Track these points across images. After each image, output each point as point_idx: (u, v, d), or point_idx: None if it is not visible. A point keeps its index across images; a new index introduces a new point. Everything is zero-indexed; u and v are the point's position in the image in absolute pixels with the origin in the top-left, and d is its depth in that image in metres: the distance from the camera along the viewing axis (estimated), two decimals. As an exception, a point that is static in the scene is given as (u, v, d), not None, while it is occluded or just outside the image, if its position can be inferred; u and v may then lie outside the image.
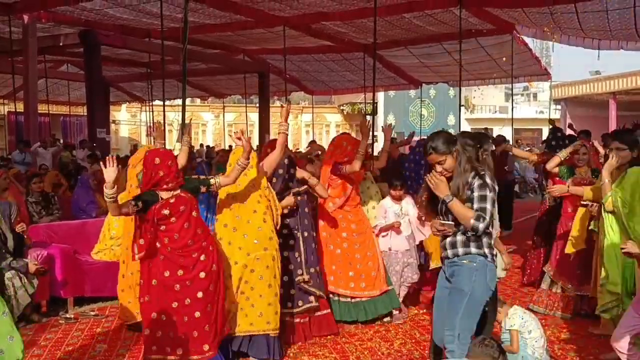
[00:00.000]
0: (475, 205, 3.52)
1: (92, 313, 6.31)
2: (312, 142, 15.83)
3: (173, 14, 12.23)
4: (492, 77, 18.27)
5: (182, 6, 9.44)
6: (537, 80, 21.16)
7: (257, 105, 20.89)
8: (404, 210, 6.05)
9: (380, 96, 30.29)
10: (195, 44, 15.19)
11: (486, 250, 3.61)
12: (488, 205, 3.52)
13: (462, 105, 27.95)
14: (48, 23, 13.46)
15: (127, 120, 33.10)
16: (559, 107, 31.57)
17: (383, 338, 5.42)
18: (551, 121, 8.43)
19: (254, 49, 17.49)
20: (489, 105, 38.93)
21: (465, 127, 32.65)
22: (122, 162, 12.48)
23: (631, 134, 5.65)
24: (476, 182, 3.55)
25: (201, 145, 26.21)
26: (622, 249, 3.91)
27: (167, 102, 12.48)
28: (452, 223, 3.60)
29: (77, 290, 6.50)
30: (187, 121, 8.39)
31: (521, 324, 4.50)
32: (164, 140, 5.58)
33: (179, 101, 17.03)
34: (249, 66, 18.71)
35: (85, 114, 16.55)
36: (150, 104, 19.82)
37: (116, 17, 13.26)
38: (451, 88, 25.62)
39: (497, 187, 3.60)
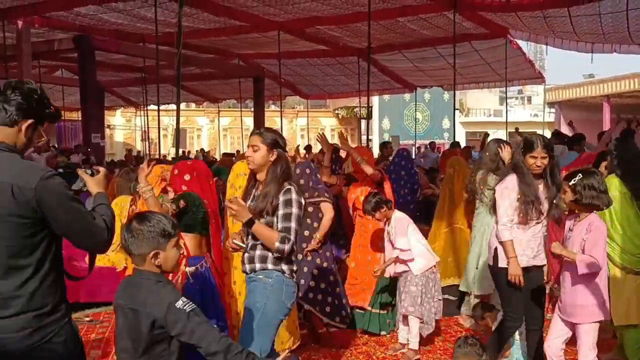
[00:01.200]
0: (279, 225, 3.30)
1: (87, 319, 6.29)
2: (308, 147, 15.85)
3: (167, 18, 12.23)
4: (486, 81, 18.33)
5: (176, 11, 9.45)
6: (531, 84, 21.29)
7: (252, 109, 20.90)
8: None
9: (375, 100, 30.35)
10: (190, 49, 15.20)
11: (284, 267, 3.39)
12: (293, 224, 3.31)
13: (457, 109, 28.05)
14: (42, 28, 13.46)
15: (122, 125, 33.07)
16: (553, 110, 31.68)
17: (378, 342, 5.41)
18: (516, 129, 8.49)
19: (248, 54, 17.52)
20: (483, 109, 39.04)
21: (460, 130, 32.76)
22: (114, 167, 12.47)
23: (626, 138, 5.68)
24: (282, 198, 3.33)
25: (198, 150, 26.23)
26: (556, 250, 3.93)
27: (161, 107, 12.50)
28: (243, 245, 3.46)
29: (72, 296, 6.39)
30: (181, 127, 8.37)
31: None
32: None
33: (174, 106, 17.10)
34: (243, 71, 18.73)
35: (80, 119, 16.54)
36: (145, 108, 19.82)
37: (111, 22, 13.27)
38: (446, 92, 25.69)
39: (303, 202, 3.40)
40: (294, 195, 3.35)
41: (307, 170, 5.20)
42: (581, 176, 3.69)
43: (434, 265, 5.04)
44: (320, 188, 5.21)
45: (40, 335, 2.26)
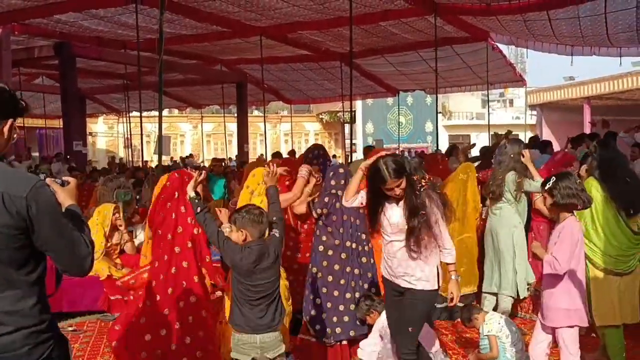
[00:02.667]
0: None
1: (70, 329, 6.22)
2: (291, 152, 15.82)
3: (149, 25, 12.19)
4: (468, 84, 18.46)
5: (157, 17, 9.42)
6: (513, 87, 21.44)
7: (236, 115, 20.87)
8: None
9: (359, 104, 30.44)
10: (172, 55, 15.15)
11: None
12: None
13: (440, 112, 28.20)
14: (22, 35, 13.33)
15: (104, 132, 32.85)
16: (534, 112, 31.98)
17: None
18: (508, 131, 8.57)
19: (231, 59, 17.49)
20: (465, 112, 39.30)
21: (443, 133, 32.94)
22: (97, 174, 12.36)
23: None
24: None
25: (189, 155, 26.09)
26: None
27: (144, 113, 12.42)
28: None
29: (55, 306, 6.33)
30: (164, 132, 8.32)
31: (498, 329, 4.53)
32: None
33: (157, 112, 17.03)
34: (226, 76, 18.70)
35: (62, 126, 16.41)
36: (128, 115, 19.70)
37: (91, 29, 13.19)
38: (428, 95, 25.83)
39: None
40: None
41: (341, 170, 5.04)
42: (555, 179, 3.73)
43: None
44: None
45: (39, 352, 2.19)
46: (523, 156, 5.56)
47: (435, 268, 3.75)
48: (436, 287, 3.76)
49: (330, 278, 4.82)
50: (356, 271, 4.71)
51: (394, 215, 3.71)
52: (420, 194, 3.64)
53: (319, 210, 4.70)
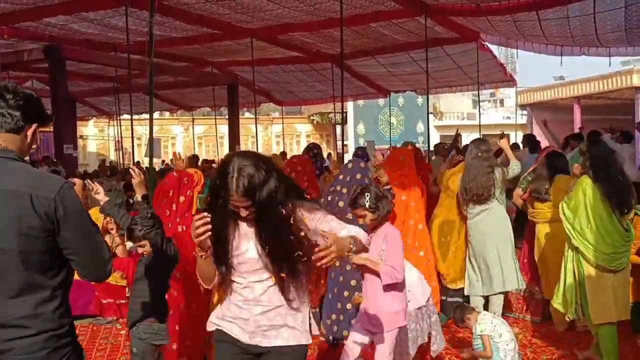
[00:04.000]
0: None
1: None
2: (283, 153, 15.84)
3: (139, 27, 12.14)
4: (458, 85, 18.50)
5: (147, 20, 9.38)
6: (503, 87, 21.50)
7: (227, 117, 20.82)
8: None
9: (350, 106, 30.44)
10: (162, 57, 15.10)
11: None
12: None
13: (431, 113, 28.26)
14: (11, 39, 13.25)
15: (95, 135, 32.70)
16: (525, 112, 32.12)
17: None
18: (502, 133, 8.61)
19: (222, 61, 17.45)
20: (457, 112, 39.43)
21: (435, 134, 33.02)
22: (88, 178, 12.30)
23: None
24: None
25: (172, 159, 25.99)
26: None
27: (135, 116, 12.38)
28: None
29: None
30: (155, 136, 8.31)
31: (491, 329, 4.54)
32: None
33: (148, 115, 16.98)
34: (217, 78, 18.66)
35: (52, 129, 16.32)
36: (118, 118, 19.62)
37: (81, 31, 13.12)
38: (419, 96, 25.88)
39: None
40: None
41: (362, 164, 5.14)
42: (360, 192, 3.87)
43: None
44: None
45: (58, 357, 2.18)
46: (499, 142, 5.69)
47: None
48: (310, 340, 2.74)
49: (341, 279, 4.83)
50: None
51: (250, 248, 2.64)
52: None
53: None
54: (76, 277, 2.64)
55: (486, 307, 5.78)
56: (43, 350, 2.14)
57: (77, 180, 2.47)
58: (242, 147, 21.14)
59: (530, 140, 10.56)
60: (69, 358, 2.23)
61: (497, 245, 5.72)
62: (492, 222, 5.73)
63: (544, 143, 15.33)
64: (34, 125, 2.27)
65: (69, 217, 2.15)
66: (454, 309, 5.12)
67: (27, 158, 2.33)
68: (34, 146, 2.30)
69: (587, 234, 4.49)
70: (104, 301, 6.58)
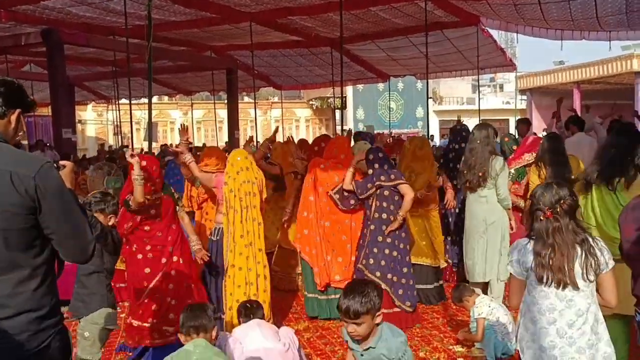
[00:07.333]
0: None
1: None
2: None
3: (137, 11, 12.08)
4: (458, 69, 18.44)
5: (146, 3, 9.33)
6: (503, 72, 21.42)
7: (226, 101, 20.79)
8: None
9: (349, 90, 30.38)
10: (161, 42, 15.02)
11: None
12: None
13: (430, 98, 28.20)
14: (9, 22, 13.18)
15: (94, 120, 32.65)
16: (524, 97, 32.06)
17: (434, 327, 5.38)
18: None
19: (221, 46, 17.38)
20: (456, 97, 39.33)
21: (434, 119, 32.98)
22: (87, 162, 12.29)
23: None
24: None
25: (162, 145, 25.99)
26: None
27: (134, 101, 12.35)
28: None
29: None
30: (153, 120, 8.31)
31: (489, 312, 4.57)
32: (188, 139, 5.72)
33: (147, 99, 16.93)
34: (216, 63, 18.58)
35: (50, 114, 16.30)
36: (117, 102, 19.55)
37: (79, 15, 13.05)
38: (419, 81, 25.83)
39: None
40: None
41: (380, 155, 5.48)
42: None
43: None
44: (395, 172, 5.47)
45: (39, 340, 2.18)
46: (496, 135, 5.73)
47: None
48: None
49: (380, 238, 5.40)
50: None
51: None
52: None
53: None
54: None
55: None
56: (23, 333, 2.14)
57: (67, 163, 2.46)
58: (241, 132, 21.16)
59: (527, 123, 10.29)
60: (51, 342, 2.22)
61: (487, 233, 5.53)
62: (484, 209, 5.54)
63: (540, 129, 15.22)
64: (17, 111, 2.32)
65: (49, 195, 2.16)
66: (453, 288, 5.10)
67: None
68: (20, 133, 2.34)
69: (593, 222, 4.47)
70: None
